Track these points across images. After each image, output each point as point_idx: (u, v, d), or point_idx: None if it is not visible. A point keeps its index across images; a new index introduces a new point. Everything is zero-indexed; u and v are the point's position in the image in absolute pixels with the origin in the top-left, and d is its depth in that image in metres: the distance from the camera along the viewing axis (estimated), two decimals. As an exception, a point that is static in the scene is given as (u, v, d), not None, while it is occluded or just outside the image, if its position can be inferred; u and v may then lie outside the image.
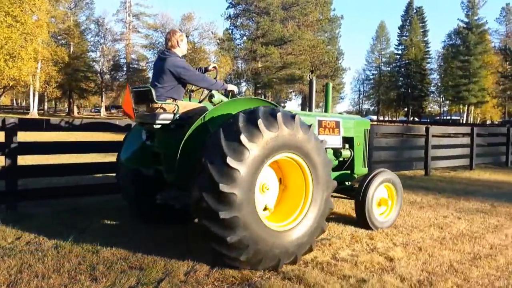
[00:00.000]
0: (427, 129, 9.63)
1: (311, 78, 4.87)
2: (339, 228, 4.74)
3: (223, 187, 2.92)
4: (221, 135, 3.05)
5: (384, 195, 4.85)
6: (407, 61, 64.81)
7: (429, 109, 73.38)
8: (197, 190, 3.04)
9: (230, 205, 2.96)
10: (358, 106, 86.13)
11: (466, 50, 50.01)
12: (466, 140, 11.02)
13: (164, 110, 3.77)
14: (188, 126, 3.56)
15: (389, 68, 72.28)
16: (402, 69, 66.31)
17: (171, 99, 3.82)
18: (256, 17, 23.60)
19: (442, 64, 62.58)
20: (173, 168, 3.52)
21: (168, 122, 3.67)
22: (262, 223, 3.18)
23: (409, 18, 68.74)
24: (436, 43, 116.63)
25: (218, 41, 27.30)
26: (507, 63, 47.90)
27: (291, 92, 37.05)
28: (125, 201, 4.57)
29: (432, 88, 67.12)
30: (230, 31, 31.81)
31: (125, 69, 54.46)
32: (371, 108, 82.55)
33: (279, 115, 3.20)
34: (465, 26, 51.12)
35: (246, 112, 3.23)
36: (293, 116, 3.32)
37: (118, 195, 4.88)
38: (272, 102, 3.93)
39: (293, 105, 71.88)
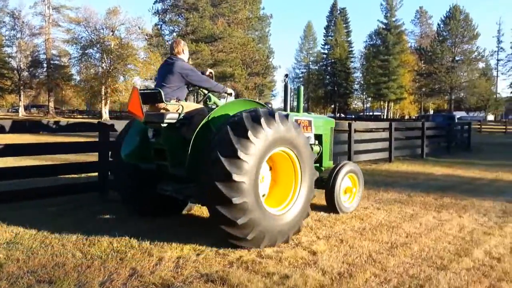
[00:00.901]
0: (349, 125, 10.08)
1: (286, 81, 5.28)
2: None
3: (235, 177, 3.40)
4: (230, 132, 3.51)
5: (349, 184, 5.58)
6: (333, 60, 67.89)
7: (354, 105, 77.67)
8: (210, 180, 3.45)
9: (241, 192, 3.45)
10: (289, 103, 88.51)
11: (386, 49, 53.61)
12: (385, 135, 11.73)
13: (167, 110, 4.10)
14: (189, 125, 4.05)
15: (317, 67, 75.16)
16: (329, 68, 69.34)
17: (175, 99, 4.17)
18: (185, 13, 23.08)
19: (364, 63, 66.45)
20: (178, 163, 4.05)
21: (174, 121, 4.05)
22: (263, 207, 3.73)
23: (334, 19, 72.04)
24: (359, 43, 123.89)
25: (146, 36, 26.21)
26: (422, 62, 52.15)
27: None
28: (120, 195, 4.84)
29: (356, 86, 71.03)
30: (159, 26, 30.87)
31: (45, 65, 50.47)
32: (302, 105, 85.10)
33: (276, 115, 3.79)
34: (384, 27, 54.75)
35: (249, 112, 3.71)
36: (286, 116, 3.93)
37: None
38: (262, 103, 4.53)
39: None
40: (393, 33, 53.67)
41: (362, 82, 68.62)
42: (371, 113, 74.24)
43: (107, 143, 5.97)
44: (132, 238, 4.00)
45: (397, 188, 7.44)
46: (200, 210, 5.34)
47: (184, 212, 5.15)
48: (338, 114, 66.37)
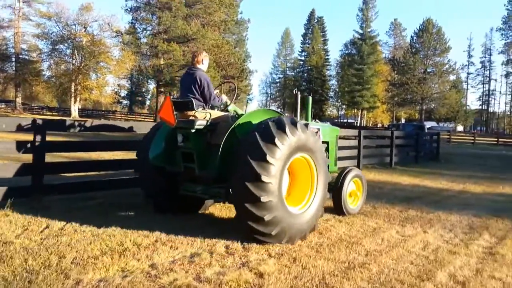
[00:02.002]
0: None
1: (296, 92, 5.72)
2: (212, 241, 4.23)
3: (264, 178, 3.78)
4: (259, 138, 3.90)
5: (353, 188, 5.93)
6: (309, 67, 68.23)
7: (329, 112, 78.27)
8: (241, 180, 3.83)
9: (268, 191, 3.82)
10: (266, 107, 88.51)
11: (360, 59, 54.23)
12: (354, 142, 11.49)
13: (196, 117, 4.49)
14: (215, 130, 4.52)
15: (293, 73, 75.40)
16: (305, 74, 69.65)
17: (202, 107, 4.61)
18: (157, 11, 22.35)
19: (339, 71, 67.14)
20: (204, 165, 4.45)
21: (202, 127, 4.46)
22: (286, 206, 4.10)
23: (311, 27, 72.53)
24: (335, 51, 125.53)
25: (115, 33, 25.28)
26: (395, 72, 53.05)
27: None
28: (145, 194, 5.25)
29: (331, 93, 71.60)
30: (132, 24, 29.94)
31: (13, 59, 48.29)
32: (278, 110, 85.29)
33: (298, 124, 4.21)
34: (359, 37, 55.40)
35: (274, 121, 4.11)
36: (306, 125, 4.36)
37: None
38: (279, 111, 4.93)
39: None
40: (368, 43, 54.37)
41: (337, 89, 69.25)
42: (345, 120, 75.04)
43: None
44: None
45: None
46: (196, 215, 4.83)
47: (201, 211, 5.47)
48: (314, 120, 66.52)
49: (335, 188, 5.63)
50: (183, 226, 4.58)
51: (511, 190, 9.20)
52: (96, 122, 6.55)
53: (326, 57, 72.15)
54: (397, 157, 13.34)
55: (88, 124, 6.20)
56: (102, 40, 41.37)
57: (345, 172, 5.81)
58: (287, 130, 4.02)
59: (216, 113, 4.73)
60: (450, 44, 49.34)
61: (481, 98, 71.77)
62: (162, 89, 26.09)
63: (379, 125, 62.91)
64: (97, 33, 44.48)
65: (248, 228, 3.98)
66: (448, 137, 33.69)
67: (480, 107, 72.21)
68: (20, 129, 5.47)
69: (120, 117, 50.13)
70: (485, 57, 70.70)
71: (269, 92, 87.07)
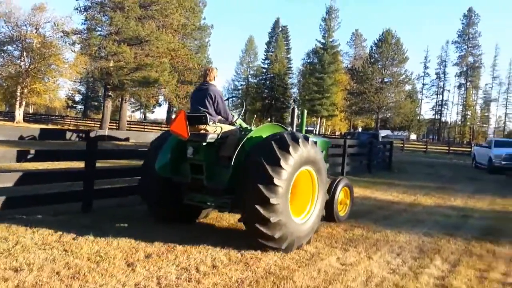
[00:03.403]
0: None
1: (293, 106, 6.27)
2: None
3: (276, 181, 4.07)
4: (275, 146, 4.21)
5: (343, 196, 6.16)
6: (272, 75, 68.23)
7: (289, 119, 78.55)
8: (253, 183, 4.08)
9: (278, 194, 4.08)
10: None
11: (321, 68, 54.54)
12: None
13: (207, 131, 4.65)
14: (225, 144, 4.71)
15: (256, 80, 75.12)
16: (267, 82, 69.56)
17: (213, 122, 4.74)
18: (109, 11, 20.98)
19: (301, 79, 67.58)
20: (213, 177, 4.64)
21: (213, 140, 4.62)
22: (289, 212, 4.32)
23: (275, 35, 72.76)
24: (297, 60, 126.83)
25: (62, 33, 23.50)
26: (354, 81, 53.82)
27: (152, 97, 34.74)
28: (147, 204, 5.31)
29: (292, 101, 71.86)
30: (84, 25, 28.16)
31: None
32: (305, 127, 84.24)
33: (300, 139, 4.40)
34: (321, 46, 55.83)
35: (288, 133, 4.47)
36: (308, 139, 4.57)
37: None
38: (283, 126, 5.19)
39: (163, 111, 68.65)
40: (329, 53, 54.79)
41: (298, 98, 69.62)
42: (305, 128, 75.46)
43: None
44: None
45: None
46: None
47: (200, 220, 5.63)
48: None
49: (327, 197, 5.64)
50: (188, 236, 4.82)
51: (461, 203, 8.86)
52: (100, 132, 6.52)
53: (289, 65, 72.54)
54: (349, 166, 12.88)
55: (92, 135, 6.02)
56: (54, 42, 38.96)
57: (336, 181, 6.03)
58: (299, 141, 4.37)
59: (226, 127, 4.93)
60: (407, 55, 50.70)
61: (435, 108, 74.66)
62: (110, 93, 24.59)
63: (337, 133, 63.72)
64: (50, 35, 41.96)
65: (253, 229, 4.21)
66: (402, 145, 34.26)
67: (433, 116, 75.07)
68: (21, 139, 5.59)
69: (69, 123, 47.34)
70: (440, 68, 73.76)
71: (231, 100, 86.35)
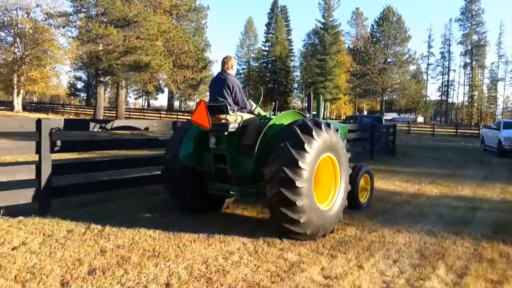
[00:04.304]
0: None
1: (309, 92, 6.29)
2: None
3: (301, 164, 4.11)
4: (298, 131, 4.26)
5: (363, 183, 6.16)
6: (273, 58, 66.90)
7: (293, 104, 77.42)
8: (278, 167, 4.11)
9: (303, 178, 4.13)
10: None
11: (323, 49, 53.29)
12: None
13: (227, 120, 4.68)
14: (245, 132, 4.78)
15: (257, 64, 73.75)
16: (269, 66, 68.23)
17: (232, 111, 4.78)
18: (94, -9, 20.01)
19: (303, 62, 66.18)
20: (237, 166, 4.75)
21: (234, 129, 4.68)
22: (314, 197, 4.36)
23: (275, 16, 71.05)
24: (298, 41, 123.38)
25: (46, 15, 22.52)
26: (356, 62, 52.47)
27: (150, 82, 33.73)
28: (169, 190, 5.29)
29: (295, 84, 70.65)
30: (71, 7, 26.96)
31: None
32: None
33: (323, 125, 4.50)
34: (321, 26, 54.43)
35: (311, 120, 4.55)
36: (330, 125, 4.66)
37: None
38: (303, 113, 5.28)
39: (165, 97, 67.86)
40: (330, 33, 53.44)
41: (301, 81, 68.36)
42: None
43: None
44: None
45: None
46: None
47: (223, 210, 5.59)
48: (280, 112, 65.41)
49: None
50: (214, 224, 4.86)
51: (470, 192, 8.06)
52: (117, 123, 6.62)
53: (290, 47, 71.03)
54: (350, 153, 12.01)
55: (108, 126, 6.20)
56: (45, 26, 37.91)
57: (357, 168, 6.05)
58: (322, 127, 4.42)
59: (246, 116, 4.90)
60: (410, 34, 49.34)
61: (441, 89, 73.11)
62: (101, 79, 23.71)
63: (343, 117, 62.62)
64: (42, 19, 40.90)
65: (278, 214, 4.20)
66: (408, 128, 33.28)
67: (440, 97, 73.56)
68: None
69: (69, 111, 46.65)
70: (444, 47, 71.93)
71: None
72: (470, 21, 64.88)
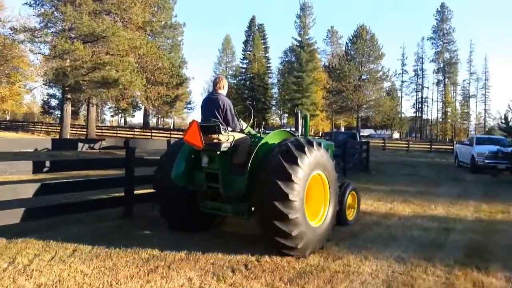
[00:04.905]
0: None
1: (297, 111, 6.24)
2: None
3: (291, 197, 4.18)
4: (282, 160, 4.30)
5: (350, 201, 6.18)
6: (251, 75, 67.04)
7: (272, 121, 77.46)
8: (269, 199, 4.20)
9: (295, 209, 4.22)
10: (283, 129, 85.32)
11: (299, 66, 53.66)
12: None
13: (220, 140, 4.71)
14: (237, 151, 4.80)
15: (235, 81, 73.75)
16: (247, 83, 68.27)
17: (224, 130, 4.81)
18: (60, 6, 19.26)
19: (280, 79, 66.53)
20: (228, 184, 4.74)
21: (227, 149, 4.69)
22: (305, 211, 4.43)
23: (252, 34, 71.58)
24: (275, 59, 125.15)
25: (10, 30, 21.67)
26: (332, 79, 52.95)
27: (122, 99, 32.89)
28: (161, 209, 5.36)
29: (273, 101, 70.82)
30: (38, 22, 26.05)
31: None
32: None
33: (314, 143, 4.68)
34: (298, 44, 54.95)
35: (293, 142, 4.53)
36: (313, 143, 4.66)
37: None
38: (292, 132, 5.39)
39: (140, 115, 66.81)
40: (306, 50, 53.95)
41: (278, 97, 68.57)
42: (288, 129, 74.40)
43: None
44: None
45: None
46: None
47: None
48: (258, 129, 65.20)
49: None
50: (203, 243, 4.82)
51: (443, 211, 7.75)
52: (106, 142, 6.67)
53: (268, 64, 71.39)
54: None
55: (97, 146, 6.29)
56: (14, 43, 36.74)
57: (344, 186, 6.06)
58: (306, 150, 4.43)
59: (238, 135, 4.95)
60: (383, 51, 50.26)
61: (415, 106, 74.55)
62: (69, 95, 22.85)
63: (321, 133, 62.86)
64: (10, 34, 39.68)
65: (270, 228, 4.28)
66: (383, 144, 33.44)
67: (415, 114, 74.96)
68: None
69: (40, 129, 45.07)
70: (417, 65, 73.66)
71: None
72: (441, 39, 66.81)
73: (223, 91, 5.12)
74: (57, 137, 27.20)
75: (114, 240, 4.82)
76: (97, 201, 6.11)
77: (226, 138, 4.76)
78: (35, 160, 5.32)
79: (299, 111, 6.32)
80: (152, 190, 7.55)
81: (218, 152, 4.65)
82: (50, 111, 66.71)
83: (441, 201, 8.69)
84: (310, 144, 4.58)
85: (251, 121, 5.63)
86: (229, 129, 4.95)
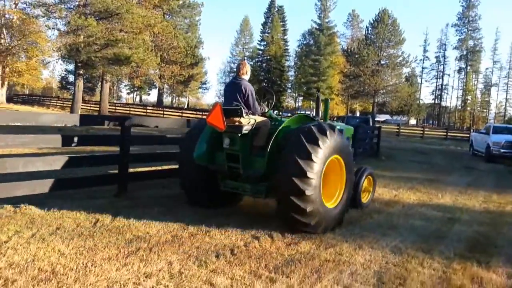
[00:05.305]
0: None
1: (318, 95, 7.68)
2: None
3: (309, 174, 4.38)
4: (304, 140, 4.50)
5: (366, 184, 6.28)
6: (268, 57, 66.25)
7: (286, 103, 76.77)
8: (288, 175, 4.39)
9: (311, 186, 4.42)
10: (303, 113, 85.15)
11: (317, 50, 52.59)
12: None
13: (241, 123, 4.87)
14: (257, 134, 4.99)
15: (252, 62, 72.99)
16: (264, 65, 67.52)
17: (246, 114, 4.95)
18: (75, -19, 19.16)
19: (297, 62, 65.52)
20: (249, 165, 4.97)
21: (247, 131, 4.88)
22: (322, 200, 4.67)
23: (271, 16, 70.40)
24: (293, 41, 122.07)
25: (25, 5, 21.62)
26: (349, 64, 51.76)
27: (136, 77, 32.79)
28: (183, 186, 5.57)
29: (289, 84, 70.04)
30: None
31: None
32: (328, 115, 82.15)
33: (335, 128, 4.92)
34: (317, 27, 53.74)
35: (316, 126, 4.72)
36: (334, 128, 4.92)
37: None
38: (311, 116, 5.86)
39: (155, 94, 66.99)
40: (326, 34, 52.72)
41: (294, 80, 67.73)
42: (303, 112, 73.79)
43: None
44: None
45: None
46: None
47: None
48: (273, 111, 64.77)
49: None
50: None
51: (451, 200, 7.45)
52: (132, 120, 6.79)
53: (286, 47, 70.38)
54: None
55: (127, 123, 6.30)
56: (32, 18, 36.90)
57: (361, 170, 6.24)
58: (328, 133, 4.63)
59: (258, 118, 5.10)
60: (404, 37, 48.66)
61: (434, 92, 72.74)
62: (81, 71, 22.87)
63: (334, 118, 62.07)
64: (30, 10, 39.86)
65: (290, 218, 4.53)
66: (398, 130, 32.74)
67: (433, 101, 73.21)
68: None
69: (55, 104, 45.58)
70: (439, 52, 71.55)
71: (227, 82, 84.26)
72: (466, 26, 64.52)
73: (246, 76, 5.29)
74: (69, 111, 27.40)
75: (101, 219, 4.72)
76: (89, 178, 5.98)
77: (247, 121, 4.91)
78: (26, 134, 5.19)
79: (319, 96, 6.84)
80: (149, 168, 7.61)
81: (240, 135, 4.84)
82: (68, 86, 67.49)
83: (450, 190, 8.37)
84: (332, 128, 4.81)
85: (272, 104, 5.75)
86: (250, 112, 5.10)
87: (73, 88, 67.92)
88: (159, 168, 7.74)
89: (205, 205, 5.47)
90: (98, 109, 30.01)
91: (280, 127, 4.96)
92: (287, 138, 4.76)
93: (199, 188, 5.41)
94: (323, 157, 4.54)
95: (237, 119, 4.89)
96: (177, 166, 7.53)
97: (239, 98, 5.07)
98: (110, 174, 6.58)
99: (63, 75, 59.82)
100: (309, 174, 4.37)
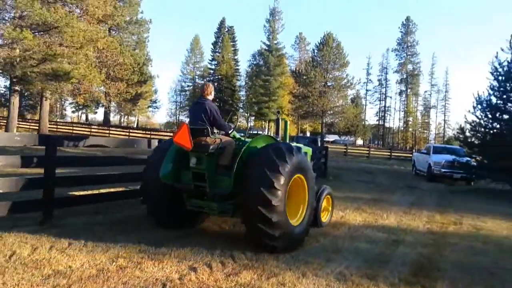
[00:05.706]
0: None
1: (278, 116, 6.82)
2: None
3: (277, 185, 4.56)
4: (273, 155, 4.75)
5: (325, 204, 6.59)
6: (219, 76, 66.40)
7: (239, 123, 76.93)
8: (256, 188, 4.55)
9: (278, 197, 4.57)
10: (175, 117, 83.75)
11: (267, 70, 53.47)
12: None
13: (207, 142, 4.98)
14: (223, 153, 5.08)
15: (203, 82, 72.73)
16: (215, 84, 67.41)
17: (212, 134, 5.13)
18: (11, -7, 17.96)
19: (248, 82, 66.23)
20: (215, 184, 5.06)
21: (214, 150, 4.98)
22: (287, 215, 4.78)
23: (222, 36, 71.04)
24: (244, 62, 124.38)
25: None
26: (298, 85, 53.04)
27: (79, 94, 31.21)
28: (148, 207, 5.53)
29: (240, 104, 70.39)
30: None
31: None
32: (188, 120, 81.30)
33: (300, 149, 5.36)
34: (266, 48, 54.80)
35: (285, 144, 5.12)
36: (300, 148, 5.36)
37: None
38: (275, 137, 6.05)
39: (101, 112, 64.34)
40: (275, 55, 53.82)
41: (245, 100, 68.21)
42: (254, 132, 74.13)
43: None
44: None
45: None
46: None
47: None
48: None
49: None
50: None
51: (395, 221, 7.48)
52: (90, 140, 6.93)
53: (236, 67, 71.06)
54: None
55: (81, 144, 6.47)
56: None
57: (321, 189, 6.41)
58: (293, 152, 4.91)
59: (224, 138, 5.22)
60: (348, 60, 50.66)
61: (378, 114, 76.28)
62: (17, 87, 21.34)
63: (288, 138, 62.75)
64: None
65: (256, 230, 4.65)
66: (345, 150, 33.67)
67: (377, 122, 76.70)
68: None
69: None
70: (382, 75, 75.48)
71: (178, 101, 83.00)
72: (405, 51, 68.79)
73: (210, 97, 5.47)
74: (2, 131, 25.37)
75: (18, 252, 4.12)
76: (12, 203, 5.26)
77: (213, 141, 5.01)
78: None
79: (279, 117, 6.84)
80: (79, 193, 6.98)
81: (206, 154, 4.91)
82: (7, 103, 63.10)
83: (394, 210, 8.46)
84: (298, 148, 5.11)
85: (236, 125, 5.94)
86: (215, 131, 5.28)
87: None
88: (95, 191, 7.16)
89: (168, 224, 5.48)
90: (37, 127, 28.08)
91: (245, 147, 5.11)
92: (252, 157, 4.91)
93: (163, 207, 5.40)
94: (289, 172, 4.72)
95: (203, 138, 5.01)
96: (112, 190, 7.06)
97: (204, 118, 5.20)
98: (34, 200, 5.88)
99: (3, 91, 56.04)
100: (276, 185, 4.53)
